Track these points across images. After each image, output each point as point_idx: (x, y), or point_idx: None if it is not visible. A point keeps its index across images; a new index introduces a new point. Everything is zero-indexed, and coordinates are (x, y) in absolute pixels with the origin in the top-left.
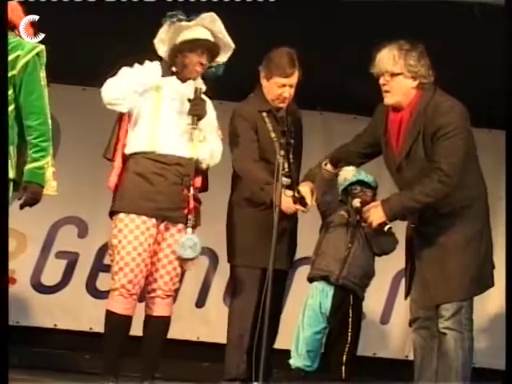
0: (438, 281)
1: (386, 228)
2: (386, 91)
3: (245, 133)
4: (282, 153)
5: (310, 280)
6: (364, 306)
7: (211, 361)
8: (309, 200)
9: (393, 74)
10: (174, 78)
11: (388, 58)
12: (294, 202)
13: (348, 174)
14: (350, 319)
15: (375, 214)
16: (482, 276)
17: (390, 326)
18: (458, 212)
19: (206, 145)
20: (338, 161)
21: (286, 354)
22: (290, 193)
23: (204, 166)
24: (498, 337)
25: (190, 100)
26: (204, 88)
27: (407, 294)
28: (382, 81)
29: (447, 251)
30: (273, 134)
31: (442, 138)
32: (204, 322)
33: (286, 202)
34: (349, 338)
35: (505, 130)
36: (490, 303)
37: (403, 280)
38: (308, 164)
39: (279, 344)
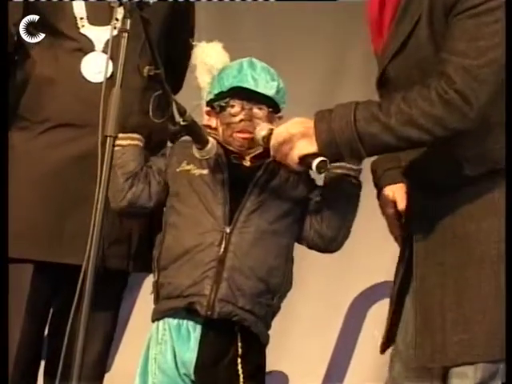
0: (450, 318)
1: (314, 164)
2: None
3: None
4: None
5: (156, 317)
6: (281, 359)
7: None
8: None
9: None
10: None
11: None
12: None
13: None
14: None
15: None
16: None
17: None
18: (496, 172)
19: None
20: None
21: None
22: None
23: None
24: None
25: None
26: None
27: (386, 342)
28: None
29: (471, 253)
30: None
31: (460, 17)
32: None
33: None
34: None
35: None
36: None
37: (373, 309)
38: None
39: None
